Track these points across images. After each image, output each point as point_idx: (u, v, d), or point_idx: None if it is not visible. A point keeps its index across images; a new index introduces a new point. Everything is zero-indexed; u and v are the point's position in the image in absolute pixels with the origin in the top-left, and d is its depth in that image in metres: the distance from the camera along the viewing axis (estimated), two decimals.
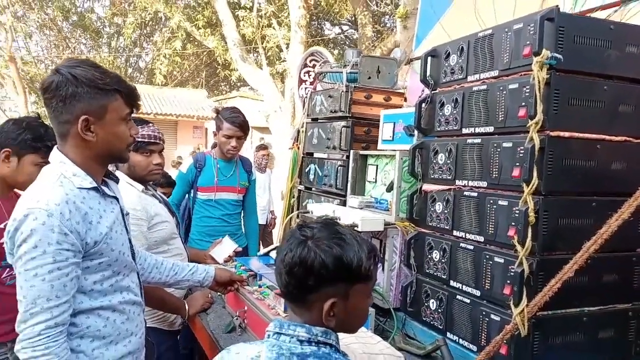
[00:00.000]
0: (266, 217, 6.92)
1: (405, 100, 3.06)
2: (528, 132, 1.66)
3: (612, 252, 1.74)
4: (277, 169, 8.47)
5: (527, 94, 1.67)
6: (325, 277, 1.13)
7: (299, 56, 14.22)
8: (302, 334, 1.17)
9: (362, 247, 1.18)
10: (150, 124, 2.43)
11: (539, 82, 1.59)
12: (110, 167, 2.08)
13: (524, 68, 1.71)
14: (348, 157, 2.81)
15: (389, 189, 2.43)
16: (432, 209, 2.10)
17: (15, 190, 2.19)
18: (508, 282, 1.69)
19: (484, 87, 1.87)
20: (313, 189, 3.26)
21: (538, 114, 1.60)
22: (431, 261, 2.08)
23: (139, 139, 2.35)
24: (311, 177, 3.21)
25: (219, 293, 2.57)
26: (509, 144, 1.73)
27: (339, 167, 2.84)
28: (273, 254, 2.48)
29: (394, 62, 3.02)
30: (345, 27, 20.32)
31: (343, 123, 2.86)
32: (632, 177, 1.78)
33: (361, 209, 2.55)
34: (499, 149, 1.78)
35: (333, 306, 1.15)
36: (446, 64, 2.10)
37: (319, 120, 3.28)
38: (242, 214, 3.55)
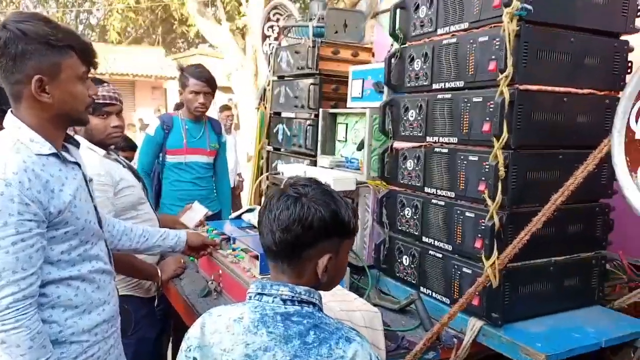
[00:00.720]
0: (234, 180, 6.84)
1: (373, 55, 3.00)
2: (495, 86, 1.66)
3: (576, 203, 1.79)
4: (242, 130, 8.32)
5: (497, 47, 1.66)
6: (323, 232, 1.15)
7: (259, 10, 13.82)
8: (286, 293, 1.18)
9: (348, 204, 1.23)
10: (106, 84, 2.31)
11: (509, 35, 1.58)
12: (69, 132, 2.01)
13: (493, 20, 1.69)
14: (317, 116, 2.77)
15: (360, 147, 2.42)
16: (403, 166, 2.10)
17: None
18: (479, 235, 1.73)
19: (454, 40, 1.85)
20: (282, 149, 3.21)
21: (508, 67, 1.59)
22: (403, 218, 2.10)
23: (99, 100, 2.24)
24: (280, 137, 3.16)
25: (191, 258, 2.55)
26: (479, 99, 1.73)
27: (308, 127, 2.79)
28: (245, 217, 2.45)
29: (361, 15, 2.95)
30: None
31: (311, 80, 2.80)
32: (597, 129, 1.81)
33: (332, 168, 2.53)
34: (469, 104, 1.77)
35: (329, 261, 1.18)
36: (415, 16, 2.05)
37: (285, 78, 3.20)
38: (214, 178, 3.49)
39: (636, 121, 1.57)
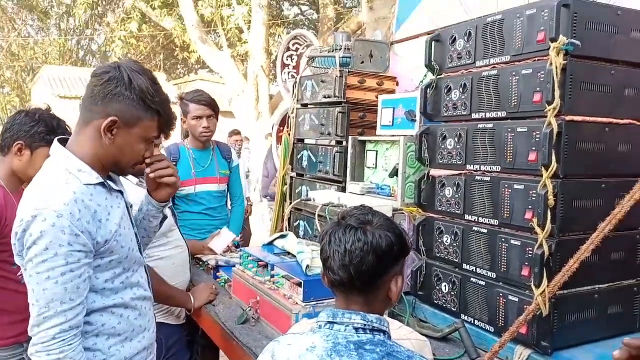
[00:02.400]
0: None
1: (397, 84, 3.07)
2: (543, 116, 1.70)
3: (618, 231, 1.82)
4: (245, 155, 8.38)
5: (541, 79, 1.71)
6: (394, 257, 1.21)
7: (260, 37, 14.07)
8: (358, 321, 1.19)
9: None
10: None
11: (556, 68, 1.63)
12: None
13: (537, 54, 1.75)
14: (344, 143, 2.81)
15: (392, 174, 2.45)
16: (441, 193, 2.13)
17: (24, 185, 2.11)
18: (526, 263, 1.75)
19: (495, 72, 1.90)
20: (306, 175, 3.24)
21: (556, 99, 1.64)
22: (442, 245, 2.12)
23: None
24: (304, 163, 3.19)
25: (221, 283, 2.55)
26: (524, 129, 1.77)
27: (336, 154, 2.83)
28: (278, 243, 2.45)
29: (385, 46, 3.02)
30: (304, 8, 20.12)
31: (338, 109, 2.85)
32: (636, 158, 1.86)
33: (362, 195, 2.56)
34: (512, 134, 1.81)
35: (397, 282, 1.24)
36: (452, 49, 2.11)
37: (309, 106, 3.25)
38: (228, 204, 3.48)
39: None
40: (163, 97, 1.54)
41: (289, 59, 4.01)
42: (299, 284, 1.96)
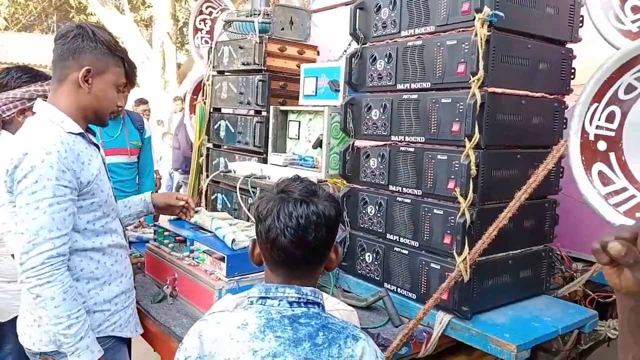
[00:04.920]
0: None
1: (318, 54, 3.00)
2: (466, 88, 1.73)
3: (530, 199, 1.92)
4: (152, 125, 7.93)
5: (466, 51, 1.73)
6: (336, 230, 1.21)
7: (165, 1, 13.29)
8: (292, 295, 1.15)
9: None
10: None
11: (481, 39, 1.65)
12: None
13: (461, 25, 1.76)
14: (265, 113, 2.71)
15: (316, 145, 2.41)
16: (365, 164, 2.12)
17: None
18: (448, 232, 1.79)
19: (420, 42, 1.90)
20: (223, 146, 3.11)
21: (480, 71, 1.66)
22: (366, 216, 2.12)
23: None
24: (222, 134, 3.05)
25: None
26: (448, 100, 1.79)
27: (257, 124, 2.72)
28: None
29: (306, 13, 2.93)
30: None
31: (258, 77, 2.73)
32: (547, 130, 1.96)
33: (285, 166, 2.50)
34: (437, 105, 1.83)
35: (337, 250, 1.24)
36: (377, 18, 2.08)
37: (226, 73, 3.10)
38: (137, 179, 3.27)
39: (590, 123, 1.72)
40: (123, 48, 1.70)
41: (202, 23, 3.79)
42: (222, 259, 1.87)
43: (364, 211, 2.13)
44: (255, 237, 1.23)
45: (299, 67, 2.89)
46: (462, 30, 1.76)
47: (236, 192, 2.37)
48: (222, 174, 2.52)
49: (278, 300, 1.15)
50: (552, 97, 1.97)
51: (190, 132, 4.05)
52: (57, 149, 1.51)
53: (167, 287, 2.04)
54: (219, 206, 3.07)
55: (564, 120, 2.02)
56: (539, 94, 1.92)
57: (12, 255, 1.88)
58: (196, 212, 2.38)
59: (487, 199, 1.77)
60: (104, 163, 1.75)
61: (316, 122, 2.47)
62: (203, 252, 1.96)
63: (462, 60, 1.74)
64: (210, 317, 1.21)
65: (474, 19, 1.69)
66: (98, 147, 1.74)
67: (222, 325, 1.16)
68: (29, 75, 2.20)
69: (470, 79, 1.70)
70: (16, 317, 1.77)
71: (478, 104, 1.67)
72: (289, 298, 1.15)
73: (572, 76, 2.02)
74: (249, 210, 2.38)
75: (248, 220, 2.34)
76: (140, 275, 2.29)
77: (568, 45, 2.01)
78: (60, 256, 1.51)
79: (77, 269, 1.62)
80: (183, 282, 2.01)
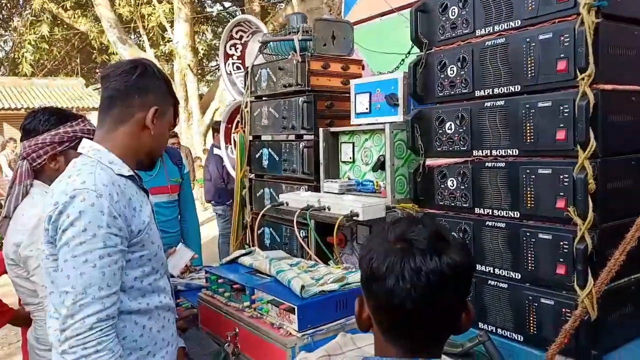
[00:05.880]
0: None
1: (363, 68, 2.76)
2: (570, 87, 1.46)
3: None
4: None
5: (566, 44, 1.45)
6: (470, 282, 0.94)
7: (184, 35, 13.40)
8: None
9: None
10: (84, 118, 1.95)
11: (589, 28, 1.37)
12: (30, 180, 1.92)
13: (556, 15, 1.49)
14: (312, 136, 2.47)
15: (376, 168, 2.14)
16: (442, 186, 1.85)
17: None
18: (561, 260, 1.49)
19: (502, 40, 1.63)
20: (266, 176, 2.87)
21: (590, 66, 1.38)
22: None
23: (85, 135, 1.91)
24: (264, 163, 2.82)
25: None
26: (547, 103, 1.51)
27: (305, 149, 2.48)
28: (245, 261, 2.05)
29: (348, 26, 2.70)
30: (227, 4, 19.51)
31: (302, 98, 2.50)
32: None
33: (342, 194, 2.23)
34: (532, 110, 1.55)
35: (469, 308, 0.95)
36: (443, 19, 1.82)
37: (263, 98, 2.88)
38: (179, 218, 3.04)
39: None
40: None
41: (232, 48, 3.60)
42: (292, 310, 1.60)
43: None
44: (362, 293, 0.97)
45: (344, 84, 2.65)
46: (559, 21, 1.48)
47: (293, 226, 2.11)
48: (274, 207, 2.27)
49: None
50: None
51: (227, 162, 3.85)
52: (109, 192, 1.32)
53: (229, 345, 1.77)
54: (267, 241, 2.82)
55: None
56: None
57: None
58: (249, 252, 2.13)
59: (608, 218, 1.47)
60: (153, 211, 1.55)
61: (373, 142, 2.21)
62: (267, 302, 1.69)
63: (562, 55, 1.46)
64: None
65: (574, 6, 1.43)
66: (147, 193, 1.54)
67: None
68: (57, 116, 1.98)
69: (575, 76, 1.43)
70: None
71: (591, 105, 1.39)
72: None
73: None
74: (307, 246, 2.12)
75: (309, 259, 2.08)
76: (194, 329, 2.03)
77: None
78: (110, 319, 1.29)
79: (120, 337, 1.37)
80: (246, 338, 1.74)
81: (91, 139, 2.00)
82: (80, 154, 1.44)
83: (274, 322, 1.67)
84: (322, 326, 1.63)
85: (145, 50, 15.02)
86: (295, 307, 1.58)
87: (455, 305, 0.89)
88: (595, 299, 1.41)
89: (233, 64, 3.63)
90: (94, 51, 17.49)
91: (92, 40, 16.07)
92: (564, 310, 1.49)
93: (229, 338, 1.78)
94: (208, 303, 1.97)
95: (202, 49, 16.68)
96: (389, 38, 3.48)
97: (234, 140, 3.78)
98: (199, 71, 17.10)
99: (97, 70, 21.99)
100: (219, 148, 5.90)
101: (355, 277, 1.75)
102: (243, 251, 2.15)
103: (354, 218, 1.89)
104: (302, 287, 1.62)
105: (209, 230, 8.04)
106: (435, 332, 0.90)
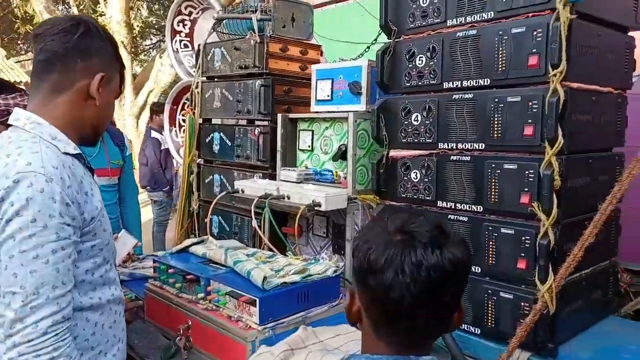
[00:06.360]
0: None
1: (322, 54, 2.70)
2: (539, 84, 1.47)
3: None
4: None
5: (539, 39, 1.46)
6: (467, 279, 0.90)
7: (118, 10, 12.70)
8: None
9: None
10: (23, 92, 1.77)
11: (564, 24, 1.38)
12: None
13: (530, 9, 1.49)
14: (269, 122, 2.38)
15: (337, 157, 2.09)
16: (405, 178, 1.83)
17: None
18: (522, 255, 1.51)
19: (474, 32, 1.62)
20: (216, 161, 2.75)
21: (562, 63, 1.40)
22: None
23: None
24: (215, 148, 2.69)
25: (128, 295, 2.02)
26: (517, 98, 1.51)
27: (260, 135, 2.39)
28: (197, 250, 1.94)
29: (309, 9, 2.62)
30: None
31: (260, 81, 2.40)
32: (611, 130, 1.72)
33: (300, 183, 2.17)
34: (501, 105, 1.55)
35: (462, 307, 0.93)
36: (414, 6, 1.79)
37: (215, 79, 2.75)
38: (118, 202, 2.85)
39: None
40: None
41: (180, 24, 3.42)
42: (252, 303, 1.52)
43: None
44: (353, 288, 0.91)
45: (302, 69, 2.58)
46: (533, 15, 1.49)
47: (251, 215, 2.02)
48: (229, 195, 2.16)
49: None
50: (616, 92, 1.73)
51: (171, 146, 3.67)
52: (60, 175, 1.13)
53: (180, 339, 1.67)
54: (215, 230, 2.71)
55: (626, 119, 1.79)
56: (606, 89, 1.67)
57: None
58: (201, 241, 2.02)
59: (568, 214, 1.50)
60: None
61: (333, 131, 2.16)
62: (225, 294, 1.60)
63: (534, 50, 1.47)
64: None
65: (548, 1, 1.44)
66: (93, 173, 1.36)
67: None
68: None
69: (546, 72, 1.44)
70: None
71: (561, 101, 1.40)
72: None
73: (634, 69, 1.79)
74: (264, 235, 2.04)
75: (263, 249, 2.00)
76: (139, 322, 1.90)
77: (630, 33, 1.78)
78: (66, 321, 1.13)
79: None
80: (200, 332, 1.65)
81: None
82: (10, 126, 1.24)
83: (232, 314, 1.59)
84: (284, 319, 1.57)
85: None
86: (257, 300, 1.51)
87: (452, 302, 0.85)
88: (555, 294, 1.44)
89: (181, 41, 3.45)
90: (17, 20, 16.24)
91: (15, 9, 14.92)
92: (522, 304, 1.52)
93: (181, 331, 1.67)
94: (156, 294, 1.85)
95: (138, 26, 15.89)
96: (343, 26, 3.44)
97: (179, 123, 3.62)
98: (133, 50, 16.28)
99: (19, 42, 20.48)
100: (157, 131, 5.65)
101: (316, 269, 1.70)
102: (194, 240, 2.04)
103: (316, 208, 1.83)
104: (265, 278, 1.55)
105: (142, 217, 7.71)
106: (430, 329, 0.87)
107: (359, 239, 0.88)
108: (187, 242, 2.05)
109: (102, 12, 13.95)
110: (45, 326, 1.09)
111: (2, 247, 1.10)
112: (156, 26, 17.16)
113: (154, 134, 5.53)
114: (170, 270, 1.83)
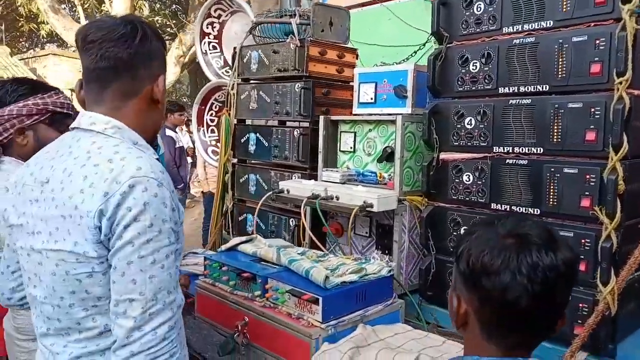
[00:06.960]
0: None
1: (357, 57, 2.73)
2: (601, 91, 1.51)
3: None
4: None
5: (601, 48, 1.50)
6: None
7: (123, 9, 12.69)
8: None
9: None
10: (57, 90, 1.78)
11: (631, 34, 1.42)
12: None
13: (593, 18, 1.53)
14: (308, 123, 2.41)
15: (382, 159, 2.12)
16: (456, 180, 1.86)
17: None
18: (582, 257, 1.54)
19: (531, 40, 1.65)
20: (250, 161, 2.77)
21: (628, 71, 1.43)
22: (458, 238, 1.84)
23: (58, 109, 1.73)
24: (250, 148, 2.72)
25: None
26: (578, 105, 1.55)
27: (300, 136, 2.41)
28: (247, 249, 1.96)
29: (346, 13, 2.65)
30: None
31: (300, 84, 2.43)
32: None
33: (344, 183, 2.19)
34: (561, 110, 1.58)
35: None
36: (467, 14, 1.82)
37: (251, 81, 2.77)
38: None
39: None
40: None
41: (209, 27, 3.44)
42: (315, 301, 1.55)
43: (455, 233, 1.86)
44: (457, 291, 0.94)
45: (339, 72, 2.61)
46: (594, 25, 1.52)
47: (301, 217, 2.04)
48: (275, 194, 2.18)
49: None
50: None
51: (200, 146, 3.69)
52: (167, 180, 1.13)
53: (238, 335, 1.69)
54: (249, 229, 2.73)
55: None
56: None
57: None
58: (249, 240, 2.05)
59: (628, 217, 1.54)
60: None
61: (378, 133, 2.19)
62: (287, 292, 1.62)
63: (597, 58, 1.50)
64: None
65: (612, 11, 1.47)
66: None
67: None
68: (28, 87, 1.76)
69: (608, 79, 1.47)
70: None
71: (627, 108, 1.44)
72: None
73: None
74: (301, 235, 2.06)
75: (308, 247, 2.02)
76: (189, 318, 1.92)
77: None
78: (177, 327, 1.13)
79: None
80: (258, 329, 1.67)
81: (67, 114, 1.83)
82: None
83: (292, 312, 1.61)
84: (344, 317, 1.59)
85: (79, 22, 14.09)
86: (320, 298, 1.53)
87: (563, 303, 0.88)
88: (617, 295, 1.47)
89: (209, 43, 3.48)
90: (21, 19, 16.23)
91: (19, 7, 14.90)
92: (581, 305, 1.55)
93: (239, 327, 1.69)
94: (209, 292, 1.87)
95: None
96: (369, 29, 3.47)
97: (207, 123, 3.64)
98: None
99: (22, 40, 20.44)
100: (171, 129, 5.66)
101: (372, 268, 1.73)
102: (243, 238, 2.06)
103: (367, 209, 1.86)
104: (326, 277, 1.57)
105: None
106: (539, 331, 0.89)
107: (464, 243, 0.91)
108: (236, 240, 2.07)
109: (107, 11, 13.95)
110: (163, 332, 1.08)
111: (119, 254, 1.07)
112: (159, 24, 17.18)
113: (168, 132, 5.55)
114: (224, 268, 1.85)
